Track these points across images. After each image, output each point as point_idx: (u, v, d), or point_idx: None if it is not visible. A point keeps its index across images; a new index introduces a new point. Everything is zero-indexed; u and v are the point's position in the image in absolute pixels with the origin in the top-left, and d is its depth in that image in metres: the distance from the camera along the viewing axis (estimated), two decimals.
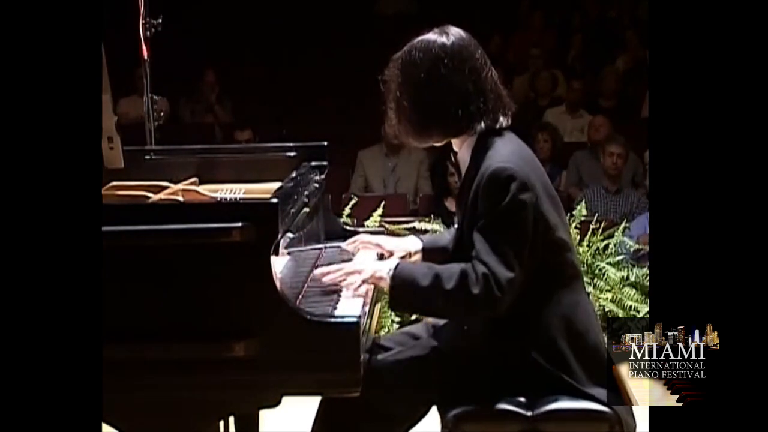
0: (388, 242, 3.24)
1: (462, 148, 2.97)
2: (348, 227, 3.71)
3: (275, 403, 2.65)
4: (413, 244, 3.20)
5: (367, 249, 3.24)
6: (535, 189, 2.82)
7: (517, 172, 2.78)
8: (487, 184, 2.79)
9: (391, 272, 2.84)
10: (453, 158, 3.04)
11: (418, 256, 3.17)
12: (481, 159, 2.86)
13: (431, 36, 2.92)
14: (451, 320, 3.02)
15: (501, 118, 2.92)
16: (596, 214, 6.20)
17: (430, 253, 3.17)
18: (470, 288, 2.73)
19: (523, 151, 2.93)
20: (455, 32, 2.93)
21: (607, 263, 5.79)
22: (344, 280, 2.92)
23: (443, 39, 2.90)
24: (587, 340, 2.88)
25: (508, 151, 2.86)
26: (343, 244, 3.32)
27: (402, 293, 2.83)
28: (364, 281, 2.89)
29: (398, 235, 3.55)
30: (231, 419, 3.39)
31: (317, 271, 2.99)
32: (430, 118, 2.90)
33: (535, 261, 2.81)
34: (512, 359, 2.85)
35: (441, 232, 3.29)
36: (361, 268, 2.91)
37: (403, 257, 3.14)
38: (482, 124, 2.89)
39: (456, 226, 3.11)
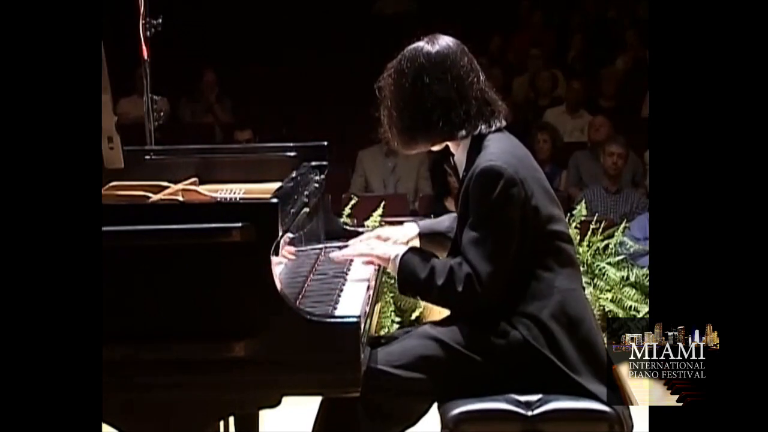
0: (385, 233, 3.28)
1: (458, 151, 3.04)
2: (348, 227, 3.71)
3: (275, 403, 2.65)
4: (410, 230, 3.27)
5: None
6: (525, 183, 2.89)
7: (505, 169, 2.87)
8: (474, 183, 2.89)
9: (398, 259, 2.98)
10: (451, 161, 3.10)
11: (415, 242, 3.23)
12: (475, 160, 2.93)
13: (419, 44, 3.01)
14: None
15: (484, 125, 2.98)
16: (596, 214, 6.20)
17: (427, 238, 3.25)
18: (455, 285, 2.87)
19: (515, 149, 2.99)
20: (442, 41, 3.01)
21: (607, 263, 5.80)
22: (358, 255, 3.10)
23: (428, 48, 2.99)
24: (580, 328, 2.90)
25: (497, 149, 2.93)
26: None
27: (404, 281, 2.98)
28: (374, 259, 3.07)
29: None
30: (231, 419, 3.39)
31: (333, 255, 3.17)
32: (414, 125, 2.98)
33: (526, 253, 2.89)
34: (504, 341, 2.87)
35: (440, 219, 3.34)
36: (373, 246, 3.11)
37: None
38: (464, 131, 2.97)
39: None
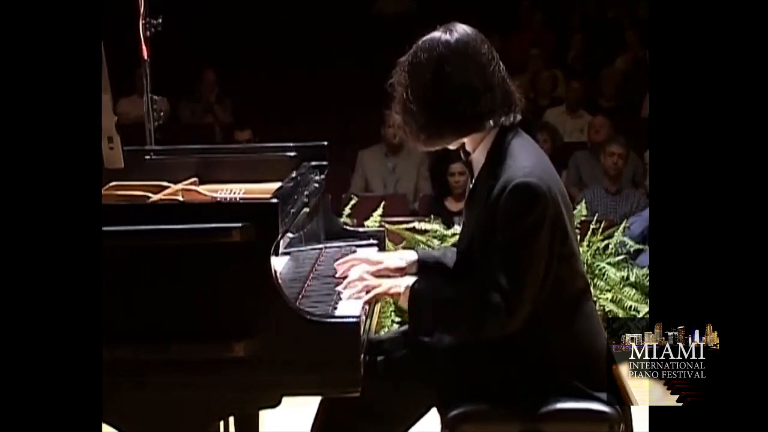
0: (377, 257, 3.11)
1: (477, 150, 2.91)
2: (348, 227, 3.71)
3: (275, 403, 2.65)
4: (408, 255, 3.09)
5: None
6: (556, 201, 2.79)
7: (540, 187, 2.75)
8: (509, 199, 2.75)
9: (408, 291, 2.86)
10: (464, 157, 2.97)
11: (413, 270, 3.07)
12: (499, 162, 2.82)
13: (435, 34, 2.88)
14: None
15: (510, 115, 2.87)
16: (596, 214, 6.21)
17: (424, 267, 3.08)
18: (484, 314, 2.75)
19: (542, 159, 2.89)
20: (460, 29, 2.89)
21: (607, 263, 5.80)
22: (362, 291, 2.89)
23: (447, 36, 2.86)
24: (594, 353, 2.85)
25: (530, 162, 2.81)
26: (337, 264, 3.13)
27: (419, 312, 2.87)
28: (381, 294, 2.89)
29: (399, 235, 3.53)
30: (231, 419, 3.39)
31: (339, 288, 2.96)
32: (440, 118, 2.83)
33: (552, 274, 2.79)
34: (516, 370, 2.84)
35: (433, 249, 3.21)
36: (378, 283, 2.91)
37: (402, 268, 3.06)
38: (491, 122, 2.84)
39: (460, 227, 3.09)
